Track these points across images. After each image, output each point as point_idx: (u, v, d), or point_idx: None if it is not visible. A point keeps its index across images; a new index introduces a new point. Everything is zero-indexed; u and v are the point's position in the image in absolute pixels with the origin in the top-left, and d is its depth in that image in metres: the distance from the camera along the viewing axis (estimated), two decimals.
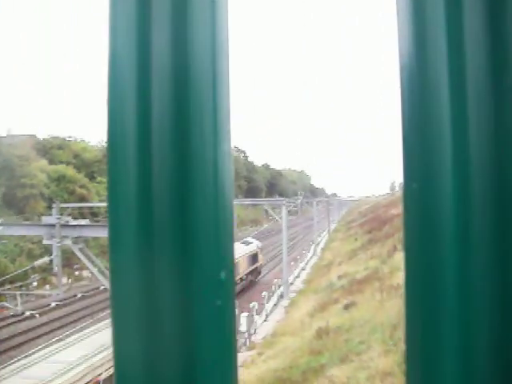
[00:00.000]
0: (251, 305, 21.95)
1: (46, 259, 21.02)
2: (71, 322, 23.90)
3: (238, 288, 26.91)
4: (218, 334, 0.57)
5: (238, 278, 27.41)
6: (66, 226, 17.60)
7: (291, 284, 30.67)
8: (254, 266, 33.45)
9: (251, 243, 33.97)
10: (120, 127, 0.58)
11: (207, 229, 0.57)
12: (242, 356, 16.41)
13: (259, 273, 35.37)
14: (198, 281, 0.57)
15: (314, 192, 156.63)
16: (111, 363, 0.60)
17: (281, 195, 71.48)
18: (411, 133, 0.56)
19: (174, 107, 0.57)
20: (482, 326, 0.53)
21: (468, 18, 0.52)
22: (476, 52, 0.53)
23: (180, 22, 0.56)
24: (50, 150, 45.39)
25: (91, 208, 37.79)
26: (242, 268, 30.03)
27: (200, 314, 0.57)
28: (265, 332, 20.80)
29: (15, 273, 23.70)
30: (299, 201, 55.02)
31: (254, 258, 33.24)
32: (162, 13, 0.56)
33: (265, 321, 23.03)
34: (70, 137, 51.04)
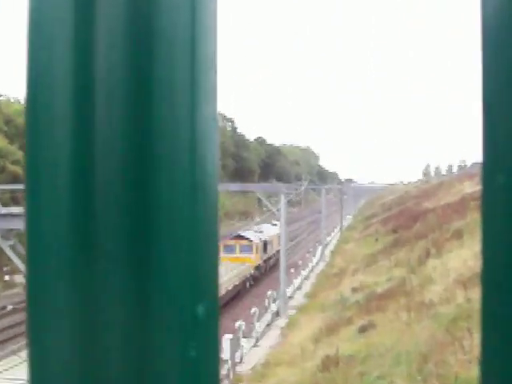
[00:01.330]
0: (237, 324, 22.07)
1: None
2: None
3: (272, 262, 44.19)
4: None
5: (272, 253, 44.35)
6: None
7: (290, 298, 31.00)
8: None
9: (276, 225, 46.21)
10: (45, 79, 0.53)
11: (177, 241, 0.51)
12: None
13: None
14: (161, 318, 0.51)
15: (322, 176, 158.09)
16: None
17: (279, 180, 72.03)
18: (495, 104, 0.52)
19: (128, 47, 0.51)
20: None
21: None
22: None
23: None
24: None
25: None
26: (275, 246, 44.04)
27: (164, 368, 0.51)
28: (254, 361, 20.97)
29: None
30: (303, 188, 55.31)
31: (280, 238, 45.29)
32: None
33: (254, 346, 23.19)
34: (0, 95, 50.92)
